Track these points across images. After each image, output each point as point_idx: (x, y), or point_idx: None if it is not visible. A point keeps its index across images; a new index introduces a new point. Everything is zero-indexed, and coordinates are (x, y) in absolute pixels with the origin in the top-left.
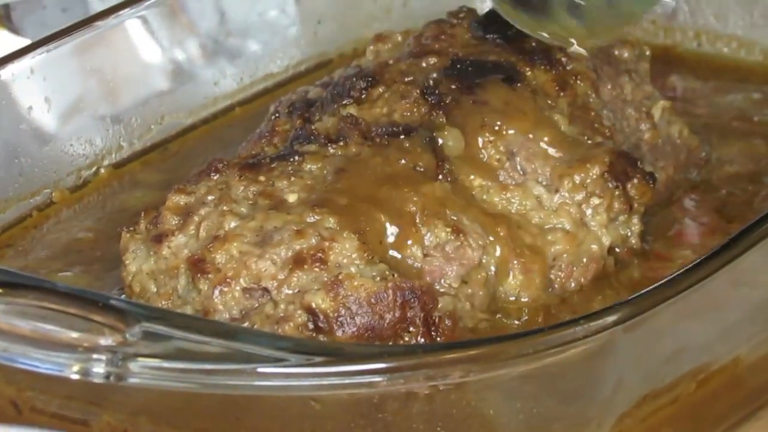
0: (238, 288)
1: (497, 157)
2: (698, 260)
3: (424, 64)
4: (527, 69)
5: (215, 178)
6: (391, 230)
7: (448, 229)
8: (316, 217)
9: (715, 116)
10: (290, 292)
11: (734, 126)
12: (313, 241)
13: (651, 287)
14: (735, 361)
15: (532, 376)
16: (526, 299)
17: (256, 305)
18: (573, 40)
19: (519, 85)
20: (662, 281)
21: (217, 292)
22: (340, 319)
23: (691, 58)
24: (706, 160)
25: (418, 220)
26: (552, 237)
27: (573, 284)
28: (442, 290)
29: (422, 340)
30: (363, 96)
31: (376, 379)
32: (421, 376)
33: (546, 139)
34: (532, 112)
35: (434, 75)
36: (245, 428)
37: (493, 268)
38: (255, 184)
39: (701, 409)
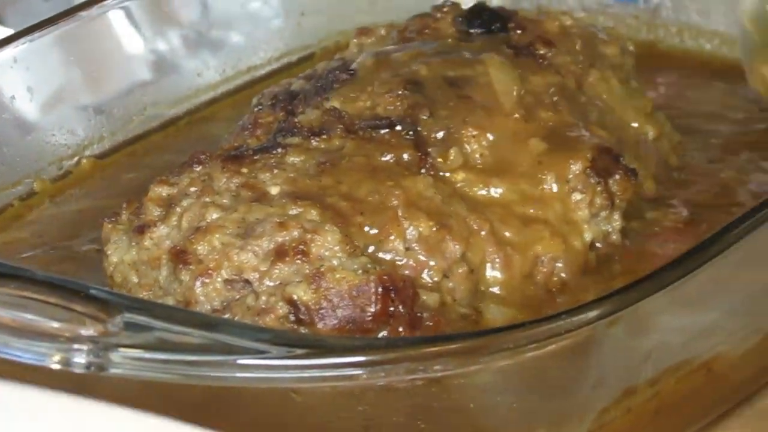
0: (219, 279)
1: (480, 151)
2: (680, 257)
3: (408, 58)
4: (509, 62)
5: (198, 169)
6: (374, 223)
7: (430, 223)
8: (298, 209)
9: (697, 112)
10: (272, 284)
11: (715, 122)
12: (296, 233)
13: (632, 282)
14: (716, 358)
15: (513, 371)
16: (508, 294)
17: (238, 297)
18: None
19: (498, 77)
20: (644, 277)
21: (198, 283)
22: (321, 311)
23: (674, 54)
24: (685, 157)
25: (400, 214)
26: (534, 232)
27: (555, 279)
28: (423, 284)
29: (403, 333)
30: (345, 87)
31: (357, 372)
32: (402, 369)
33: (528, 132)
34: (514, 105)
35: (418, 68)
36: (226, 420)
37: (475, 262)
38: (237, 176)
39: (682, 405)
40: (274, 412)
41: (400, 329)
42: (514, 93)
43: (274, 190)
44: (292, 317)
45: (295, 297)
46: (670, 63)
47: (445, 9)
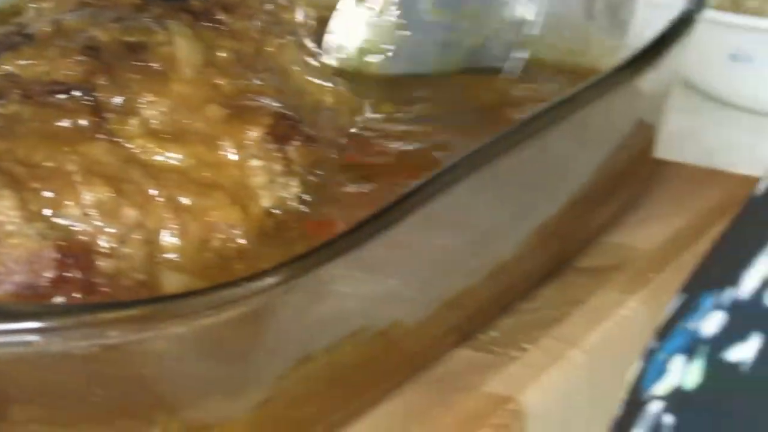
0: None
1: (158, 118)
2: (356, 224)
3: (87, 24)
4: (191, 29)
5: None
6: (50, 189)
7: (106, 189)
8: None
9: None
10: None
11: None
12: None
13: (309, 249)
14: (393, 326)
15: (190, 338)
16: (185, 260)
17: None
18: None
19: (178, 42)
20: (321, 244)
21: None
22: None
23: None
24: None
25: (76, 180)
26: (211, 198)
27: (232, 245)
28: (100, 249)
29: (80, 299)
30: (22, 51)
31: (33, 338)
32: (78, 335)
33: (207, 98)
34: (194, 71)
35: (96, 34)
36: None
37: (151, 229)
38: None
39: (360, 372)
40: None
41: (77, 295)
42: (193, 60)
43: None
44: None
45: None
46: None
47: None
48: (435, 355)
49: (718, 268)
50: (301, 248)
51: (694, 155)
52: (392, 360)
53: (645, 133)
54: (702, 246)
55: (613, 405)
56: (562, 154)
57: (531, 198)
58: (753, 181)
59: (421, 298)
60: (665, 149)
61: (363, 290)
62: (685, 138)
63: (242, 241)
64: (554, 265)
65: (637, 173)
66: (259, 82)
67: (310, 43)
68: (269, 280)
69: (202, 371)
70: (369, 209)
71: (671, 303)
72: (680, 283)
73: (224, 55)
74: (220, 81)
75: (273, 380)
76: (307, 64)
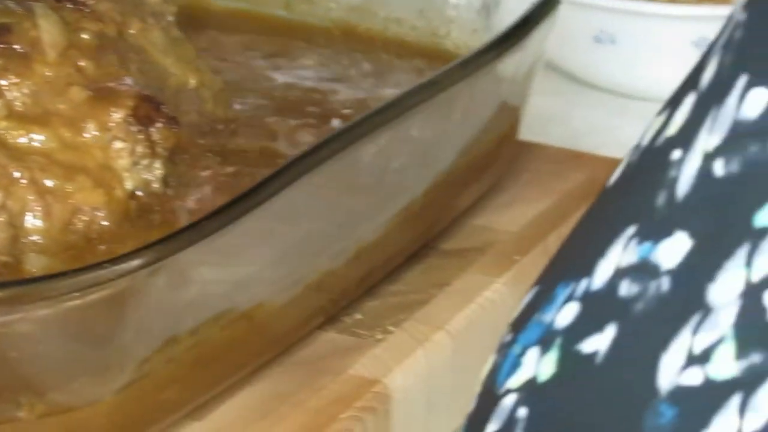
0: None
1: (22, 99)
2: (219, 208)
3: None
4: (54, 11)
5: None
6: None
7: None
8: None
9: (251, 65)
10: None
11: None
12: None
13: (173, 232)
14: (258, 308)
15: (54, 320)
16: (49, 243)
17: None
18: None
19: (43, 25)
20: (184, 227)
21: None
22: None
23: (220, 11)
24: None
25: None
26: (76, 180)
27: (95, 228)
28: None
29: None
30: None
31: None
32: None
33: (70, 80)
34: (57, 54)
35: None
36: None
37: (14, 211)
38: None
39: (223, 354)
40: None
41: None
42: (57, 42)
43: None
44: None
45: None
46: (216, 20)
47: None
48: (300, 337)
49: (573, 259)
50: (165, 231)
51: (558, 137)
52: (257, 343)
53: (509, 116)
54: (566, 229)
55: (477, 385)
56: (424, 137)
57: (394, 181)
58: (617, 163)
59: (284, 281)
60: (530, 131)
61: (226, 273)
62: (550, 120)
63: (106, 224)
64: (419, 247)
65: (501, 156)
66: (121, 65)
67: (172, 26)
68: (133, 263)
69: (67, 353)
70: (232, 192)
71: (526, 296)
72: (544, 265)
73: (87, 37)
74: (83, 63)
75: (138, 363)
76: (170, 47)
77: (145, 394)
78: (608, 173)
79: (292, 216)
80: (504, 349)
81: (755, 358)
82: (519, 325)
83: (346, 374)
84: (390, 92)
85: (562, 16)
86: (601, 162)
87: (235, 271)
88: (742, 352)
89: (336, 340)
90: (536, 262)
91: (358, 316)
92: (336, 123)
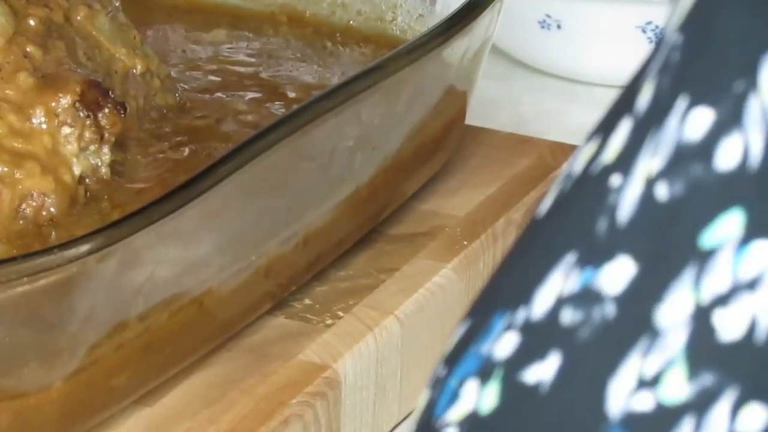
0: None
1: None
2: (169, 192)
3: None
4: None
5: None
6: None
7: None
8: None
9: (187, 56)
10: None
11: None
12: None
13: (122, 217)
14: (207, 293)
15: (3, 306)
16: None
17: None
18: None
19: None
20: (133, 212)
21: None
22: None
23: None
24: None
25: None
26: (24, 166)
27: (44, 214)
28: None
29: None
30: None
31: None
32: None
33: (17, 66)
34: (4, 40)
35: None
36: None
37: None
38: None
39: (173, 340)
40: None
41: None
42: (4, 28)
43: None
44: None
45: None
46: (162, 7)
47: None
48: (250, 322)
49: (508, 289)
50: (114, 216)
51: (505, 122)
52: (207, 328)
53: (456, 101)
54: (514, 214)
55: (426, 371)
56: (372, 123)
57: (341, 165)
58: (563, 147)
59: (232, 266)
60: (477, 116)
61: (175, 258)
62: (497, 105)
63: (54, 209)
64: (367, 232)
65: (449, 141)
66: (69, 51)
67: (119, 12)
68: (81, 248)
69: (16, 339)
70: (180, 177)
71: (457, 330)
72: (492, 251)
73: (34, 23)
74: (31, 49)
75: (88, 349)
76: (117, 33)
77: (95, 380)
78: (555, 158)
79: (240, 201)
80: (439, 383)
81: (707, 379)
82: (454, 358)
83: (296, 360)
84: (337, 78)
85: (508, 1)
86: (548, 146)
87: (183, 256)
88: (693, 373)
89: (285, 326)
90: (484, 247)
91: (308, 301)
92: (283, 109)
